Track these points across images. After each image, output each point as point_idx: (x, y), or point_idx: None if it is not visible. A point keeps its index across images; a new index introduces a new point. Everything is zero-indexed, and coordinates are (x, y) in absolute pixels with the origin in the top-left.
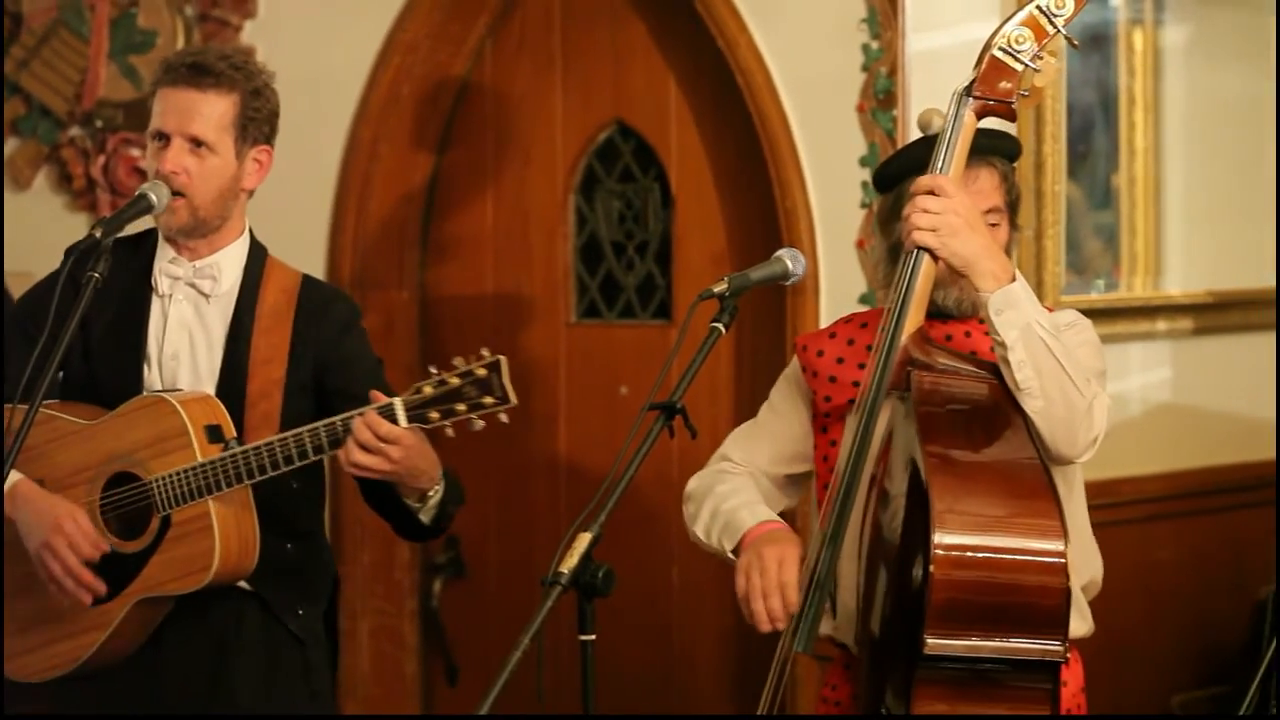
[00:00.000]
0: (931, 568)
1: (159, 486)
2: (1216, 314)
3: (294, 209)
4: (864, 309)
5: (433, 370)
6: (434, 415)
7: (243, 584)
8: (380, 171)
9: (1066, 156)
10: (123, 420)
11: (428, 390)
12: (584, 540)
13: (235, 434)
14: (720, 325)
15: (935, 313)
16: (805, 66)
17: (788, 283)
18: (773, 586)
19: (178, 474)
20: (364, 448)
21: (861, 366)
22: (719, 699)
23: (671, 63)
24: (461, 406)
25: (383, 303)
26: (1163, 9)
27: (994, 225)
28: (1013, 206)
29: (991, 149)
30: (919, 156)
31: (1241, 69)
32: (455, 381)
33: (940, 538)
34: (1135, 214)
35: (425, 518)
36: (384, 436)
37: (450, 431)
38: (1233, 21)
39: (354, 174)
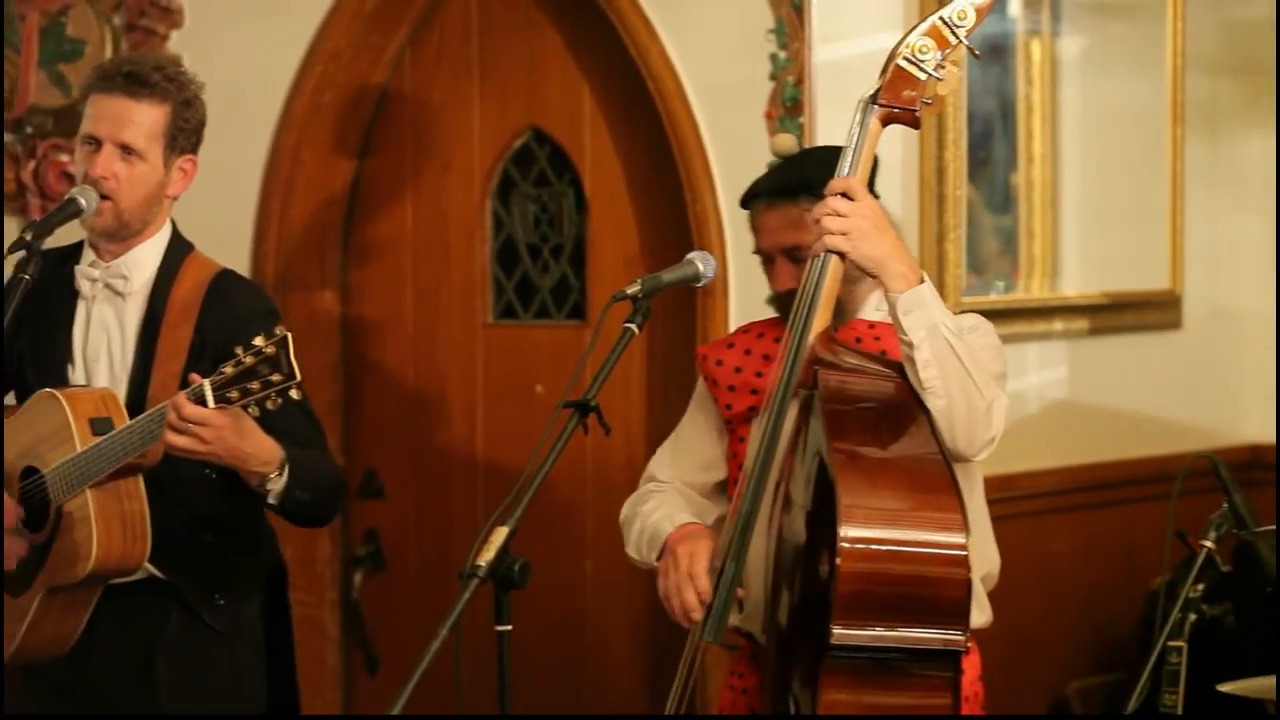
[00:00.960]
0: (839, 560)
1: (51, 478)
2: (1111, 315)
3: (219, 212)
4: (769, 314)
5: (236, 351)
6: (234, 395)
7: (159, 574)
8: (303, 176)
9: (967, 162)
10: (24, 417)
11: (228, 371)
12: (501, 534)
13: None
14: (633, 325)
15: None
16: (715, 75)
17: (699, 284)
18: (685, 579)
19: (61, 465)
20: (175, 429)
21: (759, 374)
22: (632, 688)
23: (585, 71)
24: (256, 385)
25: (305, 303)
26: (1059, 20)
27: (801, 260)
28: None
29: (802, 187)
30: (773, 179)
31: (1134, 78)
32: (250, 361)
33: (846, 531)
34: (1033, 218)
35: (272, 500)
36: (188, 418)
37: (254, 411)
38: (1126, 32)
39: (277, 179)
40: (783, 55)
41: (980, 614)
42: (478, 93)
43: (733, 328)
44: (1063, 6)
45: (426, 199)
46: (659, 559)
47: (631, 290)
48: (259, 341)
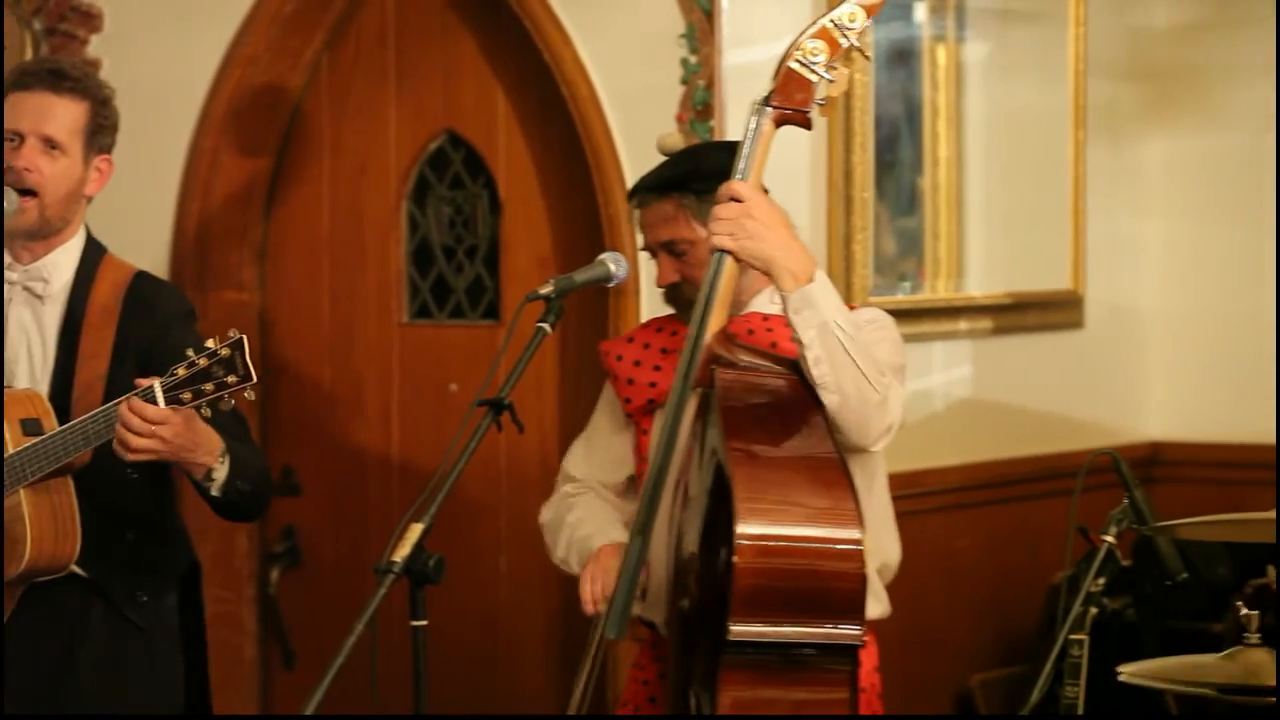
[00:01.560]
0: (735, 558)
1: None
2: (1015, 314)
3: (138, 213)
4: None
5: (188, 353)
6: (186, 396)
7: (82, 572)
8: (221, 179)
9: (874, 165)
10: None
11: (181, 372)
12: (416, 530)
13: (57, 427)
14: (546, 325)
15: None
16: (627, 79)
17: (610, 285)
18: (598, 573)
19: None
20: (135, 432)
21: (657, 368)
22: (545, 681)
23: (500, 76)
24: (209, 386)
25: (222, 304)
26: (964, 26)
27: (683, 253)
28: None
29: (662, 185)
30: (649, 176)
31: (1037, 82)
32: (203, 362)
33: (743, 529)
34: (938, 220)
35: (215, 492)
36: (151, 419)
37: (206, 411)
38: (1029, 38)
39: (196, 181)
40: (693, 60)
41: (878, 605)
42: (393, 96)
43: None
44: (968, 13)
45: (343, 201)
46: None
47: (544, 290)
48: (212, 343)
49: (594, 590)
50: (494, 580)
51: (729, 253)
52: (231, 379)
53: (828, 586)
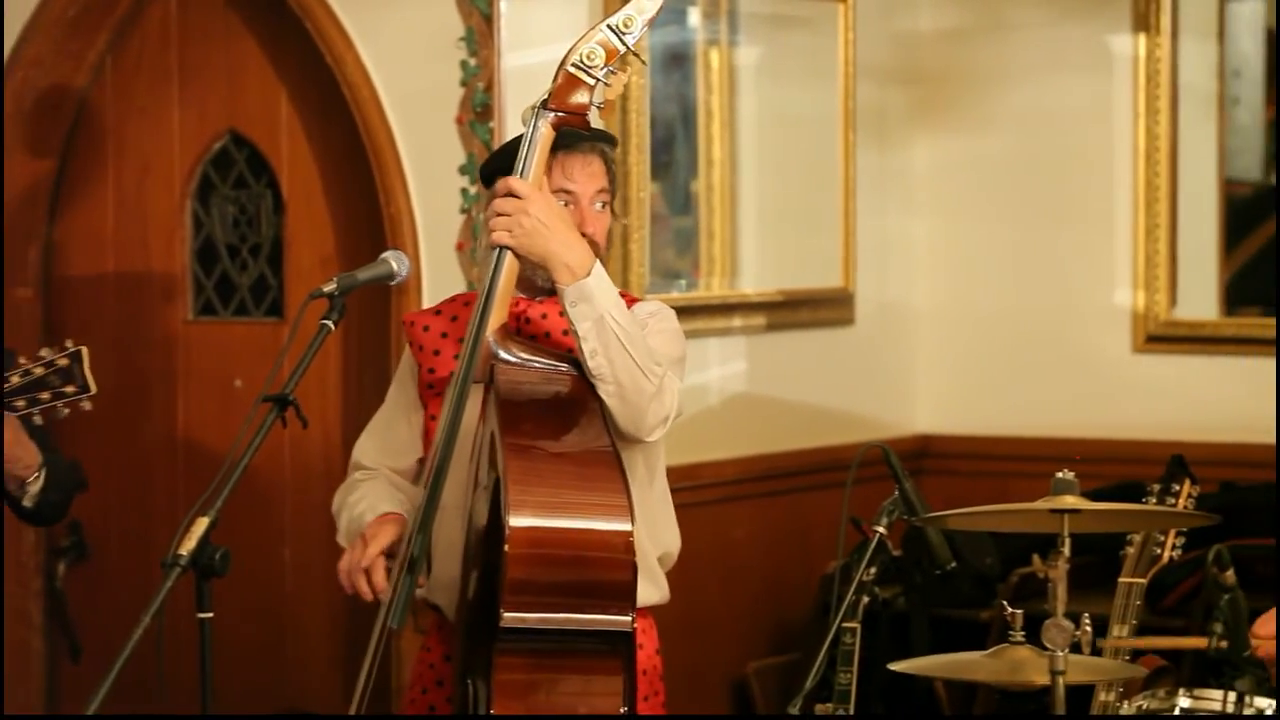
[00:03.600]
0: (506, 547)
1: None
2: (787, 311)
3: None
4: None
5: (21, 360)
6: (20, 404)
7: None
8: (7, 179)
9: (650, 165)
10: None
11: (15, 380)
12: (202, 524)
13: None
14: (329, 322)
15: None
16: (408, 81)
17: (393, 283)
18: (358, 563)
19: None
20: None
21: (461, 340)
22: (330, 671)
23: (283, 77)
24: (46, 395)
25: (9, 302)
26: (737, 31)
27: (604, 205)
28: (613, 192)
29: (598, 138)
30: (514, 154)
31: (808, 86)
32: (39, 371)
33: (513, 520)
34: (713, 219)
35: (28, 503)
36: None
37: (38, 419)
38: (800, 43)
39: None
40: (473, 62)
41: (657, 591)
42: (177, 97)
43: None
44: (740, 17)
45: (128, 200)
46: None
47: (328, 288)
48: (46, 353)
49: (357, 584)
50: (279, 572)
51: (508, 248)
52: (70, 389)
53: (598, 576)
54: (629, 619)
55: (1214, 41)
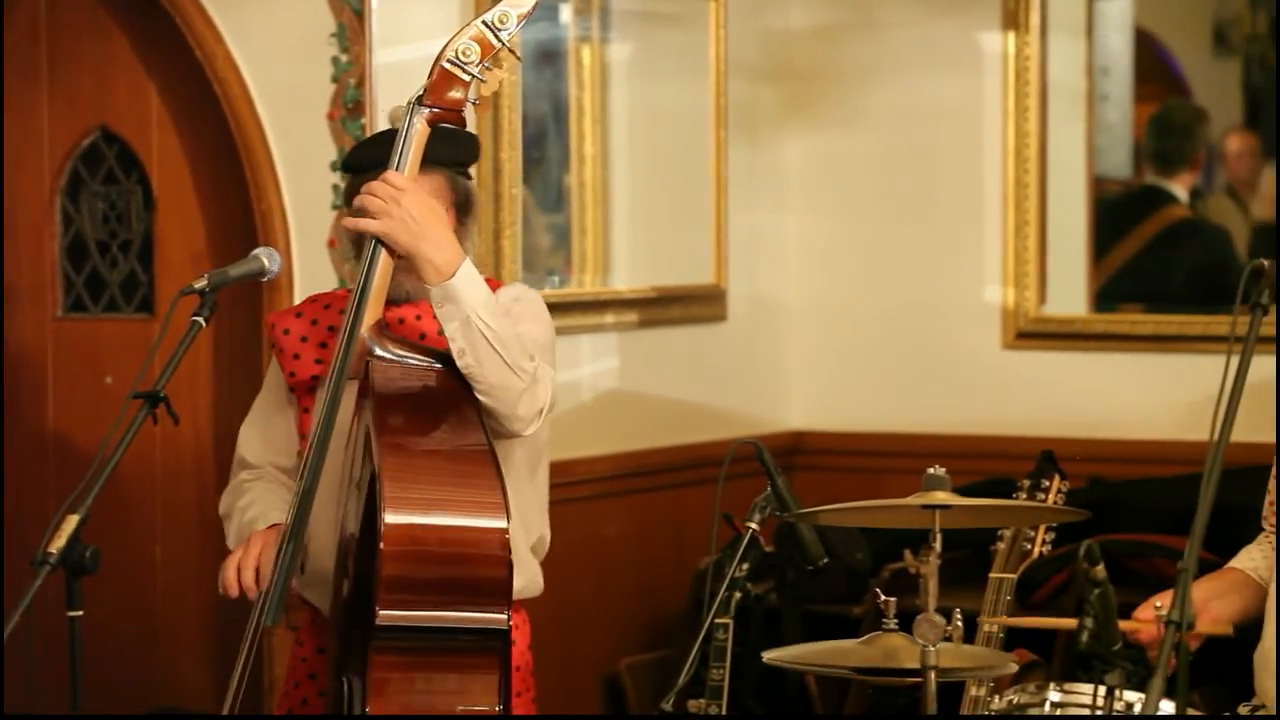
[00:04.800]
0: (382, 545)
1: None
2: (659, 308)
3: None
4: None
5: None
6: None
7: None
8: None
9: (522, 162)
10: None
11: None
12: (72, 521)
13: None
14: (200, 319)
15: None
16: (279, 77)
17: (264, 279)
18: (250, 560)
19: None
20: None
21: (324, 345)
22: (202, 668)
23: (153, 73)
24: None
25: None
26: (609, 28)
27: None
28: (461, 206)
29: (438, 158)
30: (382, 142)
31: (680, 83)
32: None
33: (390, 517)
34: (585, 215)
35: None
36: None
37: None
38: (671, 40)
39: None
40: (344, 58)
41: (530, 583)
42: (46, 92)
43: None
44: (612, 14)
45: None
46: None
47: (199, 285)
48: None
49: (246, 578)
50: (150, 570)
51: (375, 235)
52: None
53: (474, 573)
54: (504, 616)
55: (1082, 39)
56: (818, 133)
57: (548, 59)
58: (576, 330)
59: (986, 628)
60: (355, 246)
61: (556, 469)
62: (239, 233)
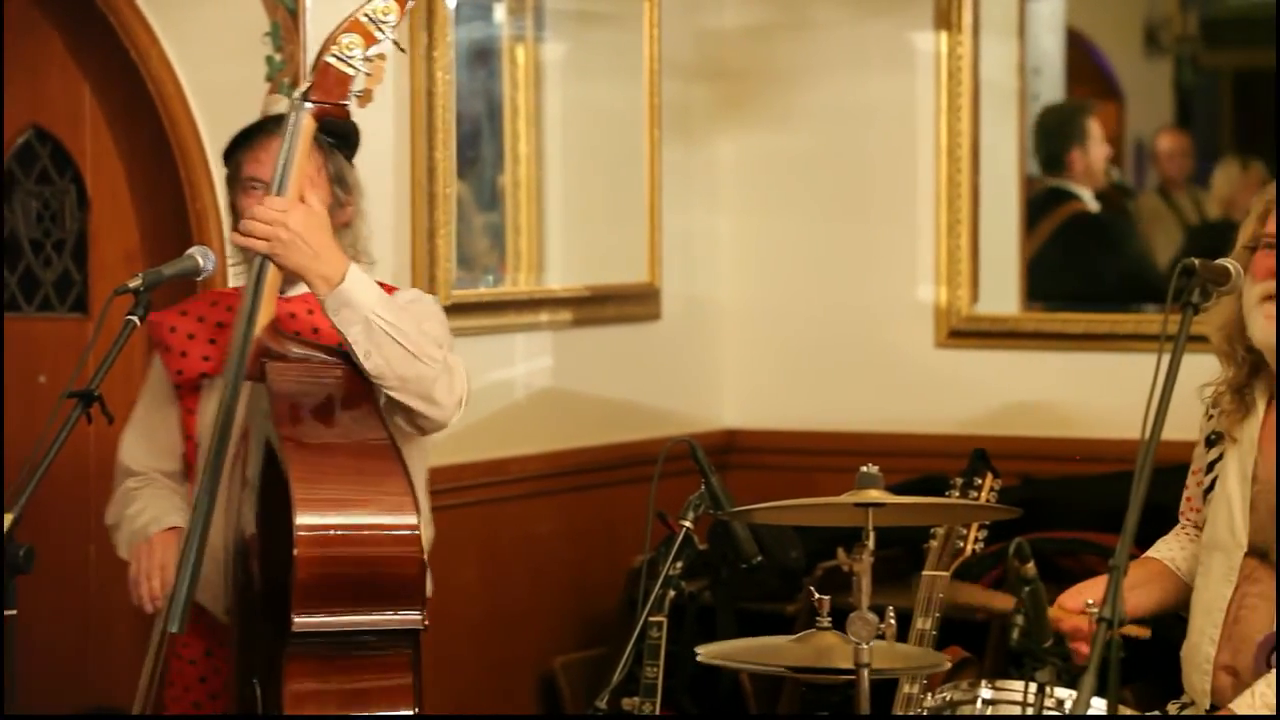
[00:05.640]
0: (296, 550)
1: None
2: (594, 307)
3: None
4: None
5: None
6: None
7: None
8: None
9: (456, 161)
10: None
11: None
12: (6, 520)
13: None
14: (135, 318)
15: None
16: (213, 76)
17: (199, 278)
18: (154, 568)
19: None
20: None
21: (212, 342)
22: (135, 669)
23: (86, 72)
24: None
25: None
26: (543, 27)
27: (326, 203)
28: (338, 179)
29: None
30: (258, 129)
31: (614, 82)
32: None
33: (302, 519)
34: (519, 215)
35: None
36: None
37: None
38: (605, 39)
39: None
40: (278, 57)
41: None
42: None
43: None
44: (546, 14)
45: None
46: None
47: (133, 284)
48: None
49: (151, 587)
50: (84, 570)
51: (263, 255)
52: None
53: (388, 572)
54: (420, 616)
55: (1014, 39)
56: (752, 132)
57: (482, 58)
58: (511, 329)
59: (920, 628)
60: (241, 251)
61: (489, 468)
62: (173, 232)
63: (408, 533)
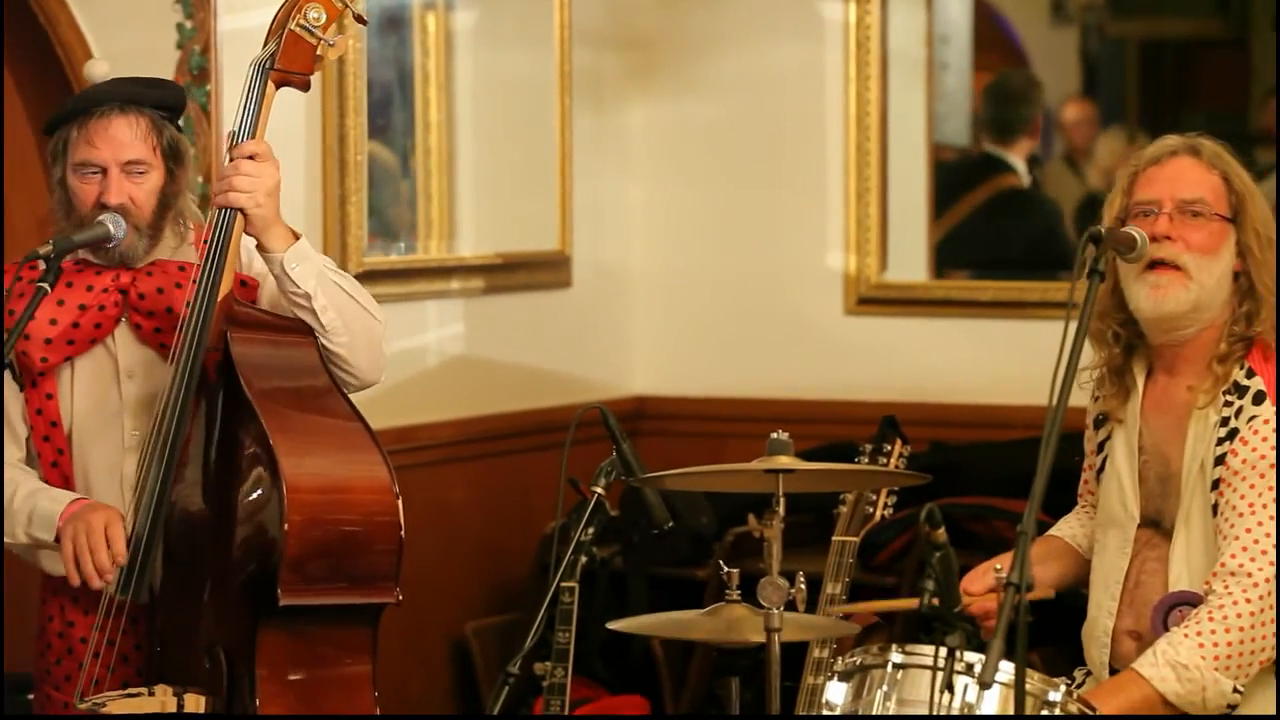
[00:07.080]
0: (285, 525)
1: None
2: (505, 274)
3: None
4: None
5: None
6: None
7: None
8: None
9: (368, 128)
10: None
11: None
12: None
13: None
14: (45, 285)
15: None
16: (123, 42)
17: (110, 245)
18: (99, 543)
19: None
20: None
21: (75, 325)
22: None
23: None
24: None
25: None
26: None
27: (142, 174)
28: (169, 153)
29: (139, 99)
30: (86, 99)
31: (524, 50)
32: None
33: (292, 496)
34: (430, 182)
35: None
36: None
37: None
38: (515, 7)
39: None
40: (189, 25)
41: None
42: None
43: None
44: None
45: None
46: (56, 537)
47: (44, 250)
48: None
49: (99, 563)
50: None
51: (243, 210)
52: None
53: (371, 548)
54: (395, 588)
55: (923, 8)
56: (662, 100)
57: (392, 25)
58: (422, 296)
59: (830, 592)
60: (64, 209)
61: (400, 434)
62: None
63: (389, 513)
